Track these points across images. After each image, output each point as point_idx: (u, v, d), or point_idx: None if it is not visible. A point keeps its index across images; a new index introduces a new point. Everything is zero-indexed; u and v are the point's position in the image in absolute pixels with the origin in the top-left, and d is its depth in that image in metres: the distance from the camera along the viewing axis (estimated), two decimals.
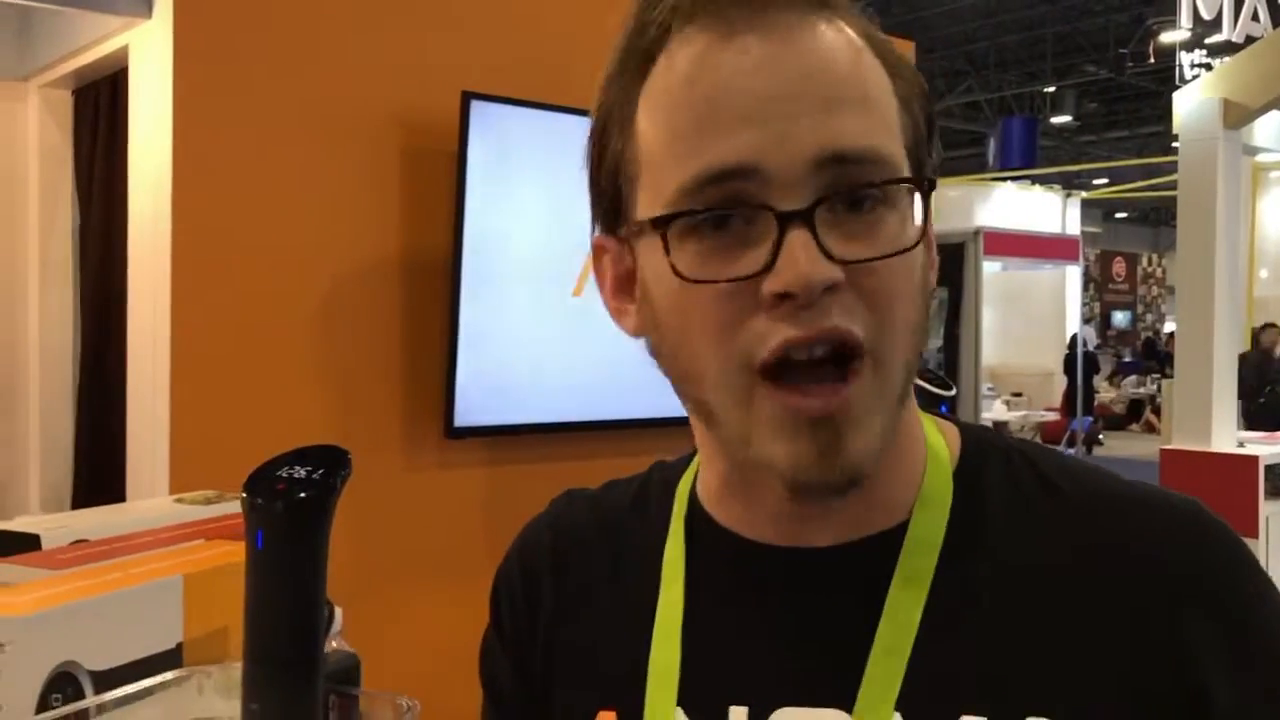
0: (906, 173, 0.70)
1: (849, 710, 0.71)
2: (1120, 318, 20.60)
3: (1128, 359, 17.55)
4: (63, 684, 0.81)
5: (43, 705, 0.79)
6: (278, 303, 2.36)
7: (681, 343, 0.71)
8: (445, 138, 2.44)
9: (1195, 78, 6.23)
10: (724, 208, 0.67)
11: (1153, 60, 15.22)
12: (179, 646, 0.89)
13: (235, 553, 0.99)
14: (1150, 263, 21.13)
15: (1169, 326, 20.88)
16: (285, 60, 2.35)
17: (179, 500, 1.20)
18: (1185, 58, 6.60)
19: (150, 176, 2.28)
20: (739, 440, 0.70)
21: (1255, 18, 6.35)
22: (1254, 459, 5.30)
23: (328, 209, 2.41)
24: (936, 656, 0.71)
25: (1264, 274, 11.91)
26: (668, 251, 0.69)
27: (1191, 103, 5.45)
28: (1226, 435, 5.50)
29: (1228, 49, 6.51)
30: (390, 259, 2.49)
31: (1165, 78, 16.57)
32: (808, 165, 0.66)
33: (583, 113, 2.61)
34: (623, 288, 0.77)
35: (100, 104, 2.77)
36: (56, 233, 2.88)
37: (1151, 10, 14.95)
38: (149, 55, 2.29)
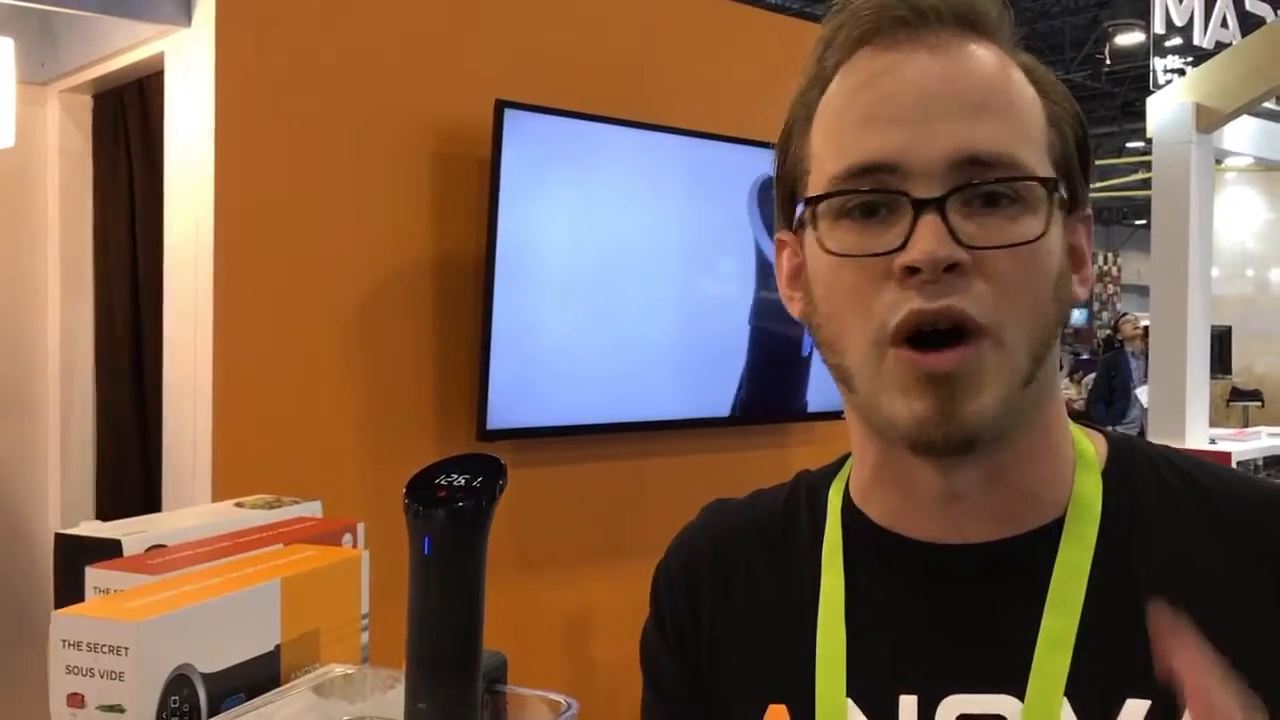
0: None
1: (1017, 696, 0.76)
2: (1077, 315, 20.83)
3: (1085, 356, 17.78)
4: (179, 686, 0.82)
5: (163, 707, 0.81)
6: (315, 308, 2.37)
7: (830, 314, 0.79)
8: (478, 144, 2.47)
9: (1169, 83, 6.36)
10: (869, 193, 0.75)
11: (1109, 62, 15.40)
12: (277, 649, 0.90)
13: (322, 556, 1.01)
14: (1106, 261, 21.39)
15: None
16: (323, 69, 2.36)
17: (239, 504, 1.21)
18: (1159, 63, 6.74)
19: (190, 184, 2.28)
20: (871, 402, 0.77)
21: (1224, 24, 6.51)
22: (1226, 455, 5.43)
23: (364, 214, 2.43)
24: (1100, 645, 0.77)
25: (1216, 273, 12.09)
26: (815, 227, 0.78)
27: (1166, 107, 5.57)
28: (1200, 432, 5.62)
29: (1192, 51, 6.65)
30: (424, 264, 2.51)
31: (1119, 79, 16.80)
32: (944, 163, 0.74)
33: (615, 121, 2.67)
34: (795, 278, 0.85)
35: (125, 109, 2.75)
36: (77, 238, 2.86)
37: (1107, 13, 15.14)
38: (187, 63, 2.29)
